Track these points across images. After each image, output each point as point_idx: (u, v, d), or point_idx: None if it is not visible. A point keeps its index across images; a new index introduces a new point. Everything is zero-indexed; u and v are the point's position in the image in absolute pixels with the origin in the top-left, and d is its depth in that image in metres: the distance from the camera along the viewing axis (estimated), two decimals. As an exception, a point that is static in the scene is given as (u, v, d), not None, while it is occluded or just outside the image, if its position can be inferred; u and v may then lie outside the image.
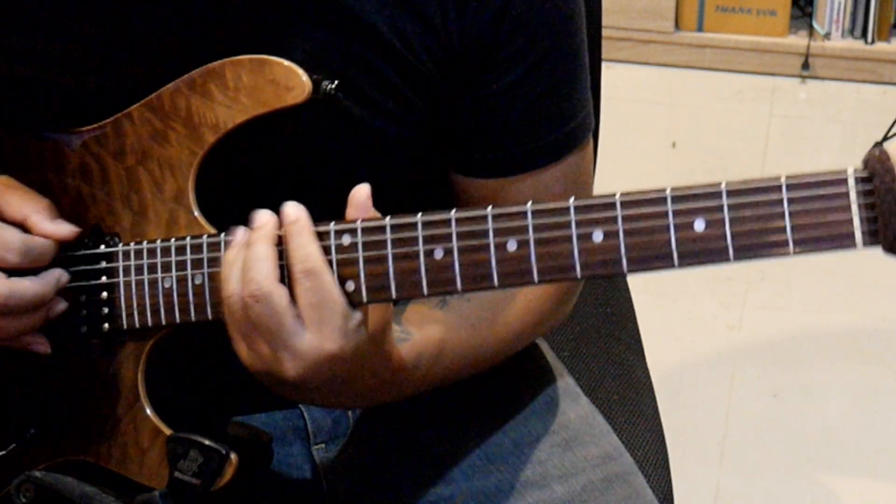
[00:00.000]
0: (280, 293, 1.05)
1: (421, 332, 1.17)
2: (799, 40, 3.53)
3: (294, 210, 1.07)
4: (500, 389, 1.33)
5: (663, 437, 1.54)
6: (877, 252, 0.93)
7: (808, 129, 3.38)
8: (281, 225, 1.07)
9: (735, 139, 3.32)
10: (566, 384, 1.38)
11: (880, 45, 3.50)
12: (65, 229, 1.17)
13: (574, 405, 1.36)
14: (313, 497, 1.32)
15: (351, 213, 1.07)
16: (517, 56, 1.17)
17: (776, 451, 2.44)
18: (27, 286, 1.15)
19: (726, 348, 2.68)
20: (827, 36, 3.51)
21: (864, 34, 3.49)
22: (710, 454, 2.43)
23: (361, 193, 1.07)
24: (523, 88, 1.19)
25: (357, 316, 1.06)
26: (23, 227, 1.17)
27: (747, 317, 2.76)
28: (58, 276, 1.17)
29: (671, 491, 1.48)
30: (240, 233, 1.09)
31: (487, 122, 1.20)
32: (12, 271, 1.15)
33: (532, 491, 1.27)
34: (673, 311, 2.77)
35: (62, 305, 1.18)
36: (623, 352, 1.65)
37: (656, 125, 3.40)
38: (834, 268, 2.84)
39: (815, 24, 3.51)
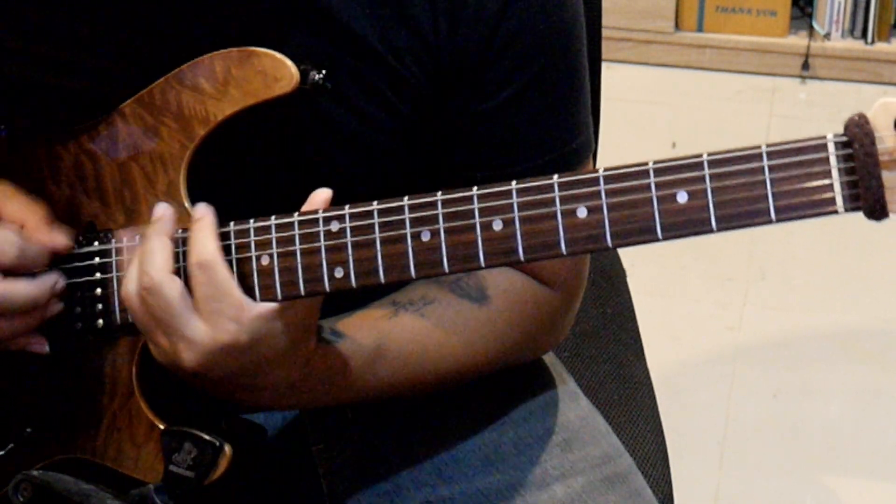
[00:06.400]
0: (172, 284, 1.07)
1: (354, 337, 1.17)
2: (799, 40, 3.52)
3: (201, 208, 1.09)
4: (499, 389, 1.33)
5: (663, 437, 1.54)
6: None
7: (808, 129, 3.36)
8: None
9: (735, 139, 3.30)
10: (566, 384, 1.38)
11: (880, 45, 3.49)
12: (59, 239, 1.17)
13: (574, 405, 1.35)
14: (312, 498, 1.32)
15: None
16: (510, 75, 1.17)
17: (776, 451, 2.44)
18: (20, 288, 1.15)
19: (726, 348, 2.68)
20: (827, 36, 3.50)
21: (864, 34, 3.49)
22: (710, 454, 2.43)
23: (319, 199, 1.08)
24: (516, 108, 1.18)
25: (256, 309, 1.07)
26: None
27: (747, 317, 2.75)
28: (54, 280, 1.17)
29: (671, 491, 1.48)
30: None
31: (478, 139, 1.20)
32: (9, 272, 1.15)
33: (532, 491, 1.27)
34: (673, 311, 2.77)
35: (58, 306, 1.18)
36: (623, 352, 1.65)
37: (656, 125, 3.40)
38: (834, 268, 2.83)
39: (815, 25, 3.51)
